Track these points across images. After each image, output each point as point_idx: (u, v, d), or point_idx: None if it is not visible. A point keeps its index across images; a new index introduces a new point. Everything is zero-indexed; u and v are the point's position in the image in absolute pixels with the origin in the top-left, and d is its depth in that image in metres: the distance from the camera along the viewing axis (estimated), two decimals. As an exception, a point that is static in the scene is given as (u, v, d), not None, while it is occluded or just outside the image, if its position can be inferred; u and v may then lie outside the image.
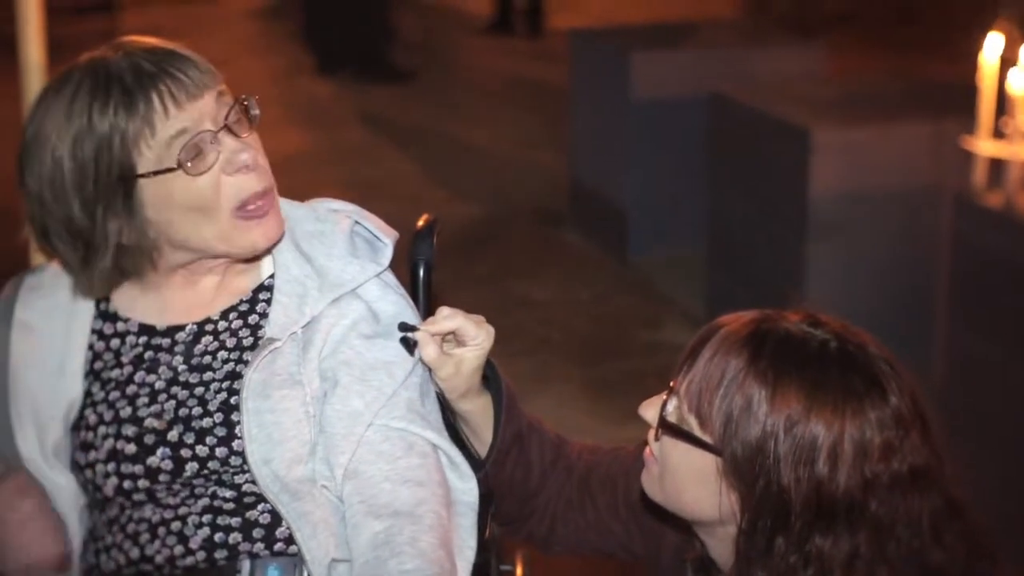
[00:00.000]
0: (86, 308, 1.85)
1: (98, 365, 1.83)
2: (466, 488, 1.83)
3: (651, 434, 1.69)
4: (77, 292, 1.84)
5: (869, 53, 8.30)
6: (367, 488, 1.74)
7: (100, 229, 1.72)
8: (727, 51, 5.50)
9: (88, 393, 1.82)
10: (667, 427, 1.64)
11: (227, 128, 1.73)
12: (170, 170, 1.70)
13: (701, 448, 1.60)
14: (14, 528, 1.77)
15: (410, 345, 1.81)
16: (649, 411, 1.68)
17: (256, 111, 1.77)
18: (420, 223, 2.05)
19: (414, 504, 1.72)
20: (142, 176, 1.70)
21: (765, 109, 4.55)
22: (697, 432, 1.61)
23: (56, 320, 1.85)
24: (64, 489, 1.82)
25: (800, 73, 5.34)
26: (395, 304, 1.84)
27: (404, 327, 1.82)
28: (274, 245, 1.82)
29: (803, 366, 1.56)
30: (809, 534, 1.54)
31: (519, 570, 2.15)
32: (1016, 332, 3.36)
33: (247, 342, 1.81)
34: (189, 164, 1.70)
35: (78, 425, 1.81)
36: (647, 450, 1.70)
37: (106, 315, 1.85)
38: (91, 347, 1.84)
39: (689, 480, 1.63)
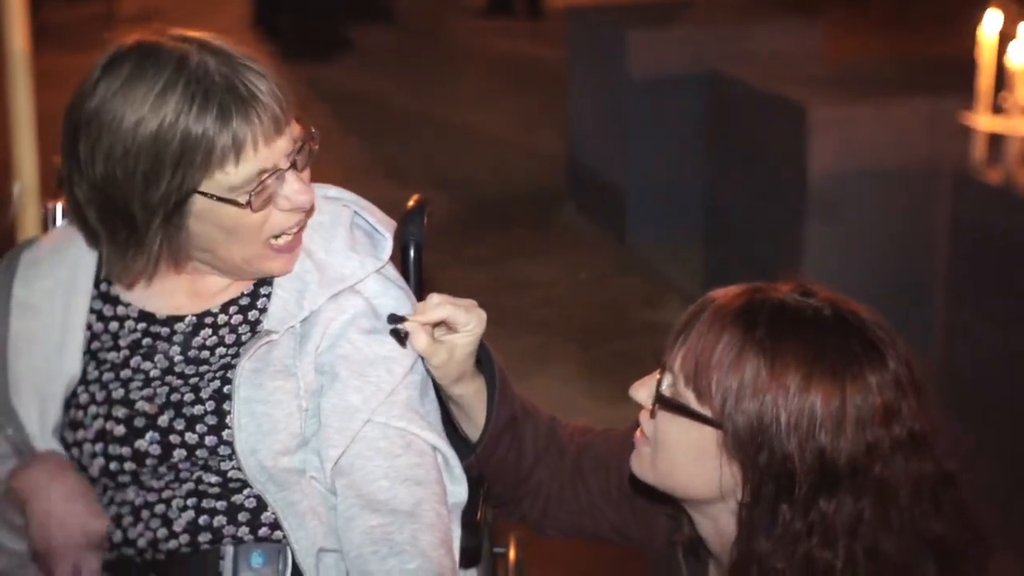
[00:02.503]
0: (86, 288, 1.84)
1: (95, 345, 1.82)
2: (455, 491, 1.81)
3: (643, 414, 1.67)
4: (79, 269, 1.82)
5: (868, 31, 8.27)
6: (364, 484, 1.72)
7: (154, 228, 1.70)
8: (725, 29, 5.47)
9: (84, 372, 1.81)
10: (665, 403, 1.62)
11: (292, 165, 1.72)
12: (236, 203, 1.68)
13: (701, 422, 1.59)
14: (59, 502, 1.75)
15: (401, 336, 1.79)
16: (641, 391, 1.66)
17: (317, 146, 1.75)
18: (410, 203, 2.04)
19: (413, 503, 1.71)
20: (204, 194, 1.68)
21: (763, 87, 4.52)
22: (695, 406, 1.59)
23: (56, 299, 1.83)
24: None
25: (798, 51, 5.31)
26: (395, 299, 1.83)
27: (393, 319, 1.80)
28: None
29: (800, 334, 1.56)
30: (814, 500, 1.54)
31: (512, 552, 2.14)
32: (1015, 309, 3.34)
33: (246, 338, 1.80)
34: (255, 202, 1.69)
35: (70, 403, 1.80)
36: (638, 432, 1.68)
37: (107, 297, 1.83)
38: (90, 327, 1.83)
39: (687, 456, 1.62)
